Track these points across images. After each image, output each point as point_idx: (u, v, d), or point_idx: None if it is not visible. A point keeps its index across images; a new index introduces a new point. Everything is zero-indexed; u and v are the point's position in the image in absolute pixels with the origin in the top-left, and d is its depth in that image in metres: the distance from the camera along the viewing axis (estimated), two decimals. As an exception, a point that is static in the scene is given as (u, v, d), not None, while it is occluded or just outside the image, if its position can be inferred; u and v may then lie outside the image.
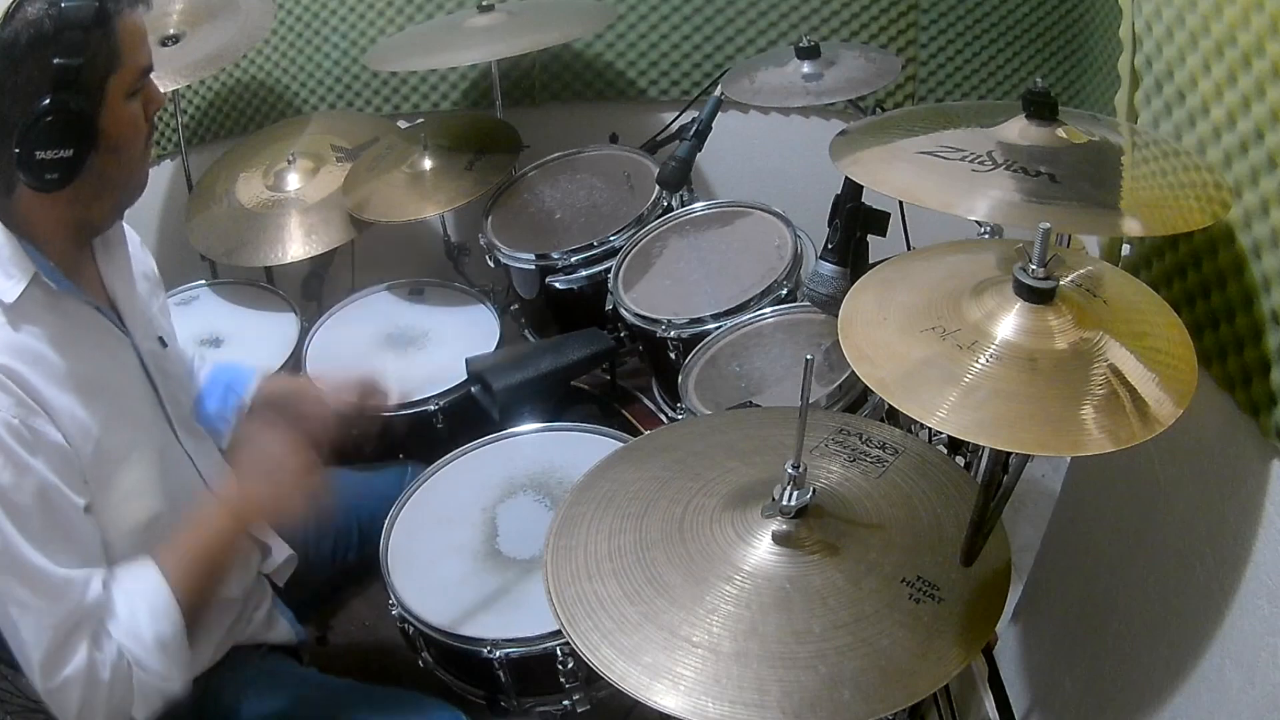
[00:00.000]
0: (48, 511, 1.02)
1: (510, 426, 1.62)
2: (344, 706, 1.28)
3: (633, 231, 1.89)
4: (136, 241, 1.30)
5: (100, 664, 1.03)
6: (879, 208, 1.31)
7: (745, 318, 1.66)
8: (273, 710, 1.27)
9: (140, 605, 1.08)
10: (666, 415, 1.77)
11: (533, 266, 1.93)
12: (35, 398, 1.02)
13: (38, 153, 1.00)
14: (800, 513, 0.98)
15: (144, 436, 1.17)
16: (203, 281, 2.14)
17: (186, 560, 1.13)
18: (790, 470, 0.97)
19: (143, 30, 1.07)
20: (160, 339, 1.25)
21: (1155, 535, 1.25)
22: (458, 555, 1.40)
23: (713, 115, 1.77)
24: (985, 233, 1.42)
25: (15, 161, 1.00)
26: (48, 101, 0.99)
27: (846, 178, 1.25)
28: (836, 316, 0.96)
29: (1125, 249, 1.30)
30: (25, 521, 1.00)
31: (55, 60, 0.99)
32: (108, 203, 1.12)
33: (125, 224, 1.24)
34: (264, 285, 2.14)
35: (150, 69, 1.09)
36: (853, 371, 0.89)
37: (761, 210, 1.85)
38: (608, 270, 1.84)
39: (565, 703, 1.34)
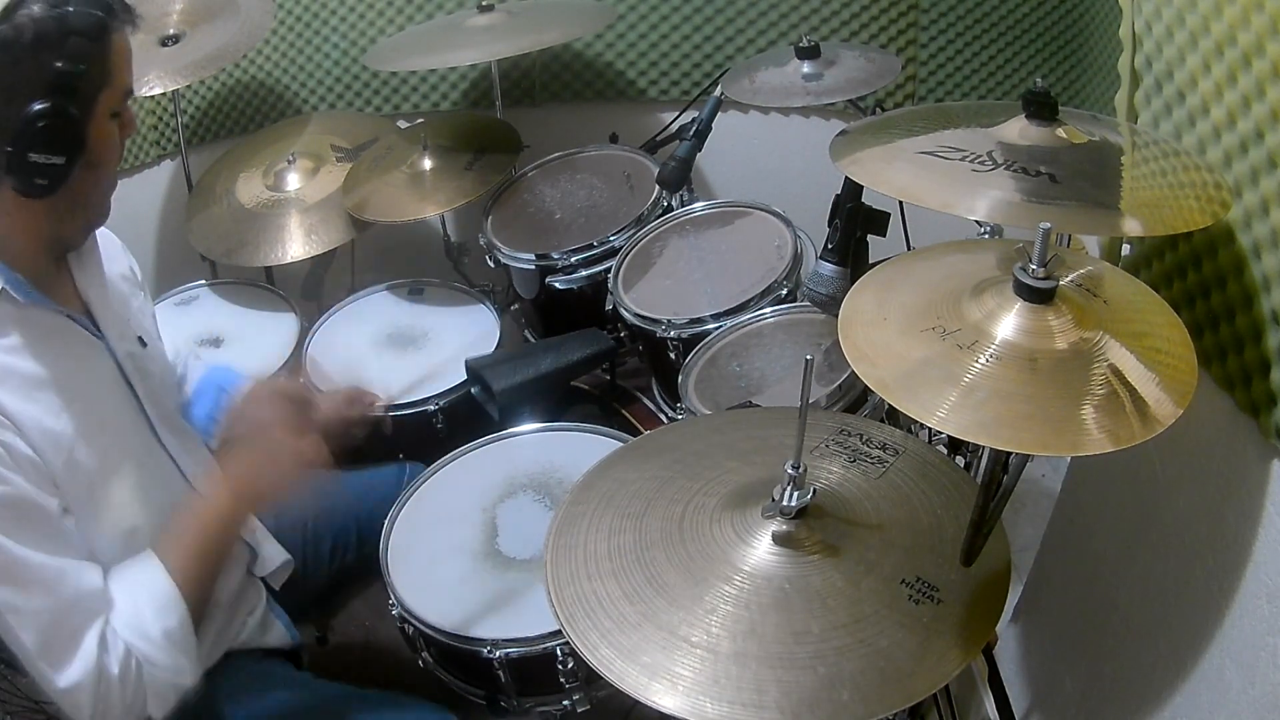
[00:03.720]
0: (30, 516, 1.01)
1: (510, 426, 1.62)
2: (338, 711, 1.27)
3: (633, 231, 1.89)
4: (118, 244, 1.30)
5: (108, 664, 1.03)
6: (879, 208, 1.31)
7: (745, 318, 1.66)
8: (266, 716, 1.26)
9: (144, 600, 1.07)
10: (666, 415, 1.76)
11: (533, 266, 1.93)
12: (4, 414, 1.00)
13: (31, 155, 0.98)
14: (800, 513, 0.98)
15: (122, 441, 1.15)
16: (203, 281, 2.15)
17: (188, 550, 1.11)
18: (790, 471, 0.97)
19: (129, 51, 1.05)
20: (140, 339, 1.23)
21: (1155, 535, 1.25)
22: (458, 555, 1.40)
23: (713, 115, 1.77)
24: (985, 233, 1.42)
25: (5, 163, 0.98)
26: (47, 105, 0.97)
27: (846, 178, 1.25)
28: (836, 316, 0.96)
29: (1125, 249, 1.30)
30: (6, 524, 0.98)
31: (57, 64, 0.97)
32: (79, 220, 1.11)
33: (106, 227, 1.23)
34: (264, 285, 2.14)
35: (131, 92, 1.08)
36: (853, 371, 0.89)
37: (761, 210, 1.85)
38: (608, 270, 1.84)
39: (565, 703, 1.34)
